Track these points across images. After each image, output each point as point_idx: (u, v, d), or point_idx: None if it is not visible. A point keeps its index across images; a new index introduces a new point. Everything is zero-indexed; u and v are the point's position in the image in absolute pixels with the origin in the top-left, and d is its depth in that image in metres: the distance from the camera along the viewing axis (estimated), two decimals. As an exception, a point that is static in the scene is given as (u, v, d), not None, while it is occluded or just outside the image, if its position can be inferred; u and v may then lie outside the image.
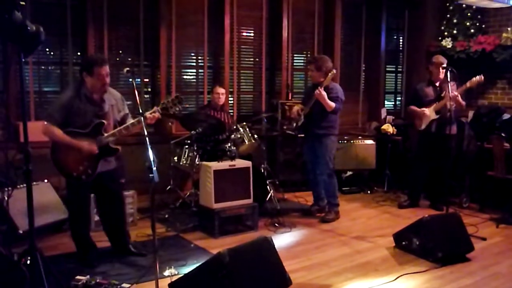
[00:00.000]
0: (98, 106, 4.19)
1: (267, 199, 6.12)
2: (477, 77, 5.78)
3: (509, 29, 7.33)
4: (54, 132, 4.03)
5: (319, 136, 5.80)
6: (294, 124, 6.07)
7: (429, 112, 6.09)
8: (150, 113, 4.15)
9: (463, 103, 5.99)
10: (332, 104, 5.60)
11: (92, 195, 4.59)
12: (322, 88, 5.55)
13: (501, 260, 4.59)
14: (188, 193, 6.34)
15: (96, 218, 5.03)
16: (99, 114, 4.19)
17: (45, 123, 4.06)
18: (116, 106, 4.35)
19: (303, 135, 6.24)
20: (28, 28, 2.92)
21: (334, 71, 5.65)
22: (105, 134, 4.16)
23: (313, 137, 5.86)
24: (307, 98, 5.91)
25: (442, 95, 6.01)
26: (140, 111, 3.84)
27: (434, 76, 6.17)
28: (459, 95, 5.80)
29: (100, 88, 4.14)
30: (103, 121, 4.16)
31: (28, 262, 3.22)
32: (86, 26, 6.29)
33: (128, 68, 4.04)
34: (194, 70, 7.37)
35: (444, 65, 5.93)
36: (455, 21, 7.95)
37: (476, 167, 6.47)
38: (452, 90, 5.70)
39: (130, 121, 4.33)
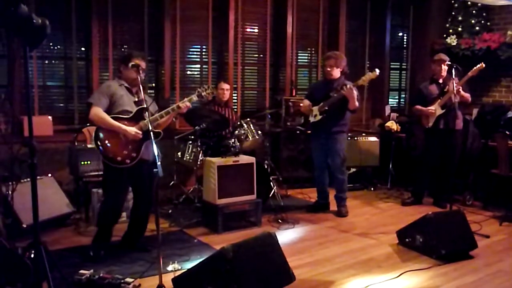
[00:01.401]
0: (135, 95, 4.35)
1: (271, 195, 6.13)
2: (478, 65, 5.76)
3: (514, 26, 7.32)
4: (102, 115, 4.17)
5: (334, 133, 5.80)
6: (302, 120, 6.05)
7: (435, 109, 6.08)
8: (182, 103, 4.41)
9: (467, 95, 5.98)
10: (357, 104, 5.60)
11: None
12: (355, 87, 5.51)
13: (504, 258, 4.58)
14: (191, 189, 6.34)
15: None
16: (137, 101, 4.33)
17: (93, 107, 4.18)
18: (149, 102, 4.45)
19: (309, 132, 6.19)
20: (34, 21, 2.92)
21: (377, 72, 5.59)
22: (148, 118, 4.18)
23: (327, 134, 5.82)
24: (322, 96, 5.82)
25: (446, 89, 6.01)
26: (145, 106, 3.96)
27: (437, 74, 6.17)
28: (460, 88, 5.77)
29: (132, 81, 4.28)
30: (144, 106, 4.23)
31: (32, 255, 3.23)
32: (91, 20, 6.30)
33: (133, 63, 4.10)
34: (198, 66, 7.37)
35: (447, 62, 5.93)
36: (460, 18, 7.94)
37: (480, 165, 6.45)
38: (456, 87, 5.70)
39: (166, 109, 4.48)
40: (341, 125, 5.83)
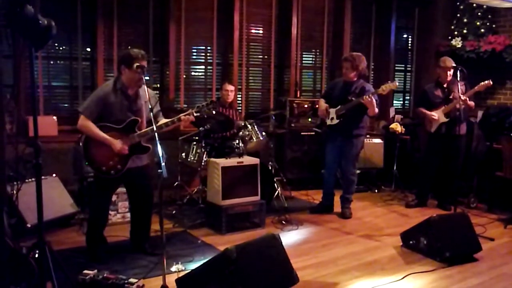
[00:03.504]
0: (132, 102, 4.25)
1: (275, 196, 6.12)
2: (486, 82, 5.80)
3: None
4: (90, 126, 4.09)
5: (353, 137, 5.78)
6: (319, 122, 6.04)
7: (439, 116, 6.07)
8: (185, 115, 4.22)
9: (472, 103, 5.98)
10: (377, 110, 5.59)
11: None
12: (374, 96, 5.47)
13: (508, 261, 4.57)
14: (195, 190, 6.35)
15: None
16: (133, 110, 4.24)
17: (81, 116, 4.12)
18: (149, 103, 4.37)
19: (319, 131, 6.15)
20: (40, 22, 2.92)
21: (397, 83, 5.58)
22: (138, 132, 4.18)
23: (345, 137, 5.80)
24: (340, 98, 5.80)
25: (451, 97, 6.00)
26: (150, 107, 3.88)
27: (442, 78, 6.14)
28: (467, 99, 5.78)
29: (136, 83, 4.19)
30: (138, 118, 4.20)
31: (37, 255, 3.24)
32: (96, 21, 6.31)
33: (137, 64, 4.08)
34: (203, 67, 7.38)
35: (451, 71, 5.94)
36: (465, 20, 7.91)
37: (485, 167, 6.44)
38: (461, 90, 5.70)
39: (162, 119, 4.40)
40: (360, 128, 5.81)
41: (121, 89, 4.20)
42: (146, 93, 4.16)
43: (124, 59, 4.22)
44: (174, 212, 5.78)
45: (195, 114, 4.26)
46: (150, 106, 3.91)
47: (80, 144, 5.42)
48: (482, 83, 5.81)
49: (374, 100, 5.47)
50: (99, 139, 4.11)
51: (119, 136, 4.15)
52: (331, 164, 6.01)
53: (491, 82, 5.80)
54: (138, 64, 4.07)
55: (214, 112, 4.35)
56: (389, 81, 5.59)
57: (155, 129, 3.81)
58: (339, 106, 5.76)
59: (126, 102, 4.21)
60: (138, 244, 4.54)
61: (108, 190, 4.43)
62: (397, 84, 5.58)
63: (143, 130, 4.22)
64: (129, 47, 6.72)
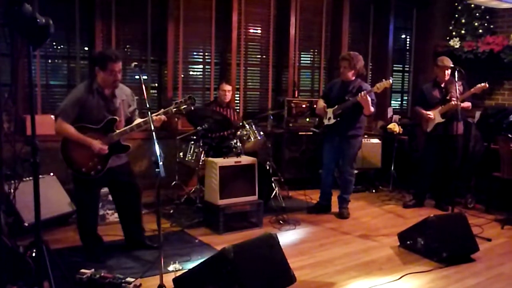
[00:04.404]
0: (109, 102, 4.21)
1: (272, 196, 6.12)
2: (482, 84, 5.80)
3: (517, 30, 7.31)
4: (67, 129, 4.06)
5: (350, 137, 5.78)
6: (317, 121, 6.04)
7: (435, 116, 6.08)
8: (156, 115, 4.16)
9: (469, 104, 6.00)
10: (372, 109, 5.58)
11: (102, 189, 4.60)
12: (367, 94, 5.46)
13: (505, 261, 4.57)
14: (193, 189, 6.33)
15: (101, 212, 5.10)
16: (111, 109, 4.21)
17: (58, 119, 4.08)
18: (126, 101, 4.37)
19: (325, 131, 6.13)
20: (38, 20, 2.92)
21: (390, 80, 5.58)
22: (116, 131, 4.17)
23: (342, 137, 5.80)
24: (337, 98, 5.80)
25: (448, 97, 6.00)
26: (147, 106, 3.88)
27: (440, 78, 6.15)
28: (460, 104, 5.78)
29: (112, 84, 4.16)
30: (116, 117, 4.18)
31: (34, 254, 3.23)
32: (94, 20, 6.31)
33: (135, 63, 4.06)
34: (201, 66, 7.38)
35: (449, 71, 5.95)
36: (463, 21, 7.92)
37: (482, 168, 6.45)
38: (459, 90, 5.70)
39: (137, 118, 4.38)
40: (356, 128, 5.81)
41: (97, 89, 4.16)
42: (122, 92, 4.15)
43: (98, 60, 4.18)
44: (171, 211, 5.77)
45: (173, 111, 4.20)
46: (128, 105, 3.87)
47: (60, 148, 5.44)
48: (479, 85, 5.81)
49: (369, 99, 5.47)
50: (77, 141, 4.07)
51: (97, 136, 4.13)
52: (328, 164, 6.02)
53: (487, 85, 5.81)
54: (114, 69, 4.05)
55: (192, 108, 4.27)
56: (383, 79, 5.59)
57: (131, 127, 3.82)
58: (336, 106, 5.77)
59: (102, 102, 4.18)
60: (135, 240, 4.55)
61: (91, 191, 4.35)
62: (391, 81, 5.58)
63: (121, 129, 4.20)
64: (128, 46, 6.77)
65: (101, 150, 4.10)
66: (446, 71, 6.02)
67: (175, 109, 4.20)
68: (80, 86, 4.29)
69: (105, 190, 4.88)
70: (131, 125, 4.22)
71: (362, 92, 5.47)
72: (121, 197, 4.50)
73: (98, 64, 4.13)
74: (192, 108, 4.28)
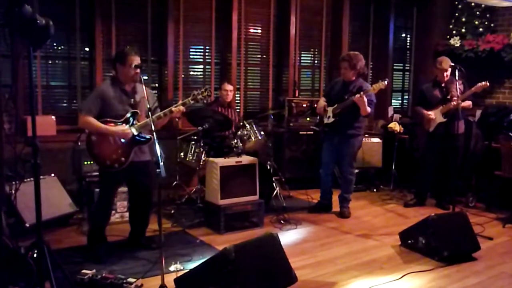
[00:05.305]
0: (130, 96, 4.35)
1: (273, 196, 6.12)
2: (483, 83, 5.79)
3: (517, 28, 7.31)
4: (91, 122, 4.18)
5: (349, 136, 5.79)
6: (318, 120, 6.04)
7: (436, 116, 6.07)
8: (175, 107, 4.35)
9: (470, 103, 6.00)
10: (369, 109, 5.58)
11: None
12: (363, 94, 5.47)
13: (507, 260, 4.57)
14: (194, 189, 6.33)
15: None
16: (132, 104, 4.33)
17: (81, 113, 4.22)
18: (146, 99, 4.40)
19: (325, 130, 6.13)
20: (38, 21, 2.92)
21: (386, 82, 5.57)
22: (138, 123, 4.26)
23: (341, 136, 5.81)
24: (338, 97, 5.81)
25: (448, 97, 6.00)
26: (148, 106, 3.92)
27: (439, 78, 6.14)
28: (461, 103, 5.77)
29: (132, 77, 4.27)
30: (137, 111, 4.29)
31: (35, 255, 3.23)
32: (94, 21, 6.30)
33: (136, 64, 4.11)
34: (202, 66, 7.37)
35: (448, 72, 5.94)
36: (463, 19, 7.93)
37: (483, 166, 6.45)
38: (460, 89, 5.70)
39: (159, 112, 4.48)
40: (356, 128, 5.81)
41: (119, 85, 4.31)
42: (144, 90, 4.19)
43: (117, 56, 4.37)
44: (172, 211, 5.77)
45: (191, 102, 4.40)
46: (147, 103, 3.94)
47: (79, 143, 5.47)
48: (479, 84, 5.81)
49: (365, 99, 5.47)
50: (101, 131, 4.19)
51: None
52: (327, 163, 6.02)
53: (488, 84, 5.80)
54: (136, 64, 4.20)
55: (207, 101, 4.47)
56: (380, 80, 5.59)
57: (152, 118, 3.90)
58: (335, 105, 5.77)
59: (124, 97, 4.32)
60: (135, 240, 4.62)
61: (113, 185, 4.47)
62: (386, 82, 5.57)
63: (142, 121, 4.30)
64: (127, 47, 6.75)
65: (125, 133, 4.20)
66: (445, 73, 6.01)
67: (193, 100, 4.40)
68: (102, 83, 4.50)
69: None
70: (152, 117, 4.28)
71: (361, 93, 5.48)
72: (135, 197, 4.60)
73: (118, 60, 4.30)
74: (208, 100, 4.58)
